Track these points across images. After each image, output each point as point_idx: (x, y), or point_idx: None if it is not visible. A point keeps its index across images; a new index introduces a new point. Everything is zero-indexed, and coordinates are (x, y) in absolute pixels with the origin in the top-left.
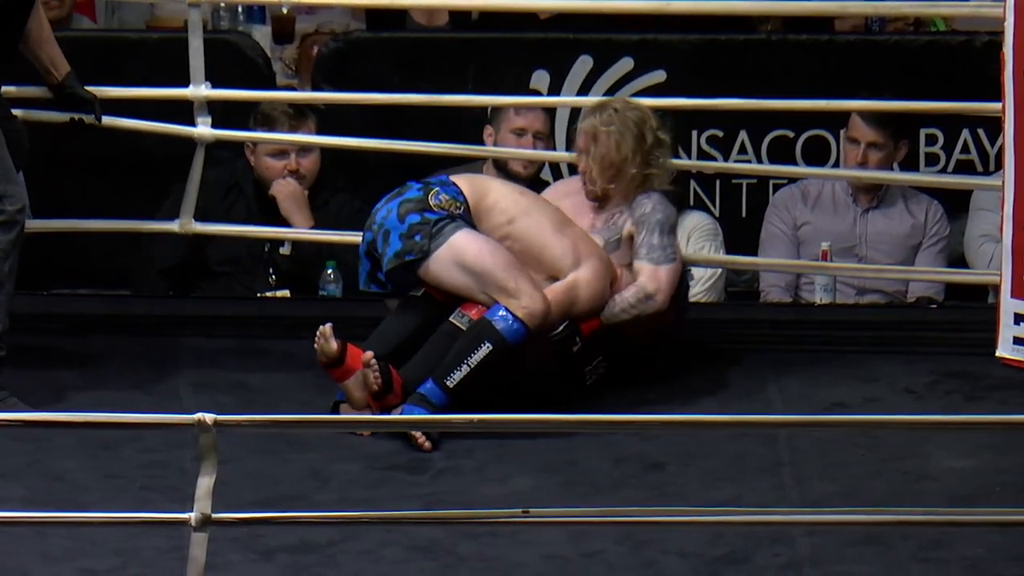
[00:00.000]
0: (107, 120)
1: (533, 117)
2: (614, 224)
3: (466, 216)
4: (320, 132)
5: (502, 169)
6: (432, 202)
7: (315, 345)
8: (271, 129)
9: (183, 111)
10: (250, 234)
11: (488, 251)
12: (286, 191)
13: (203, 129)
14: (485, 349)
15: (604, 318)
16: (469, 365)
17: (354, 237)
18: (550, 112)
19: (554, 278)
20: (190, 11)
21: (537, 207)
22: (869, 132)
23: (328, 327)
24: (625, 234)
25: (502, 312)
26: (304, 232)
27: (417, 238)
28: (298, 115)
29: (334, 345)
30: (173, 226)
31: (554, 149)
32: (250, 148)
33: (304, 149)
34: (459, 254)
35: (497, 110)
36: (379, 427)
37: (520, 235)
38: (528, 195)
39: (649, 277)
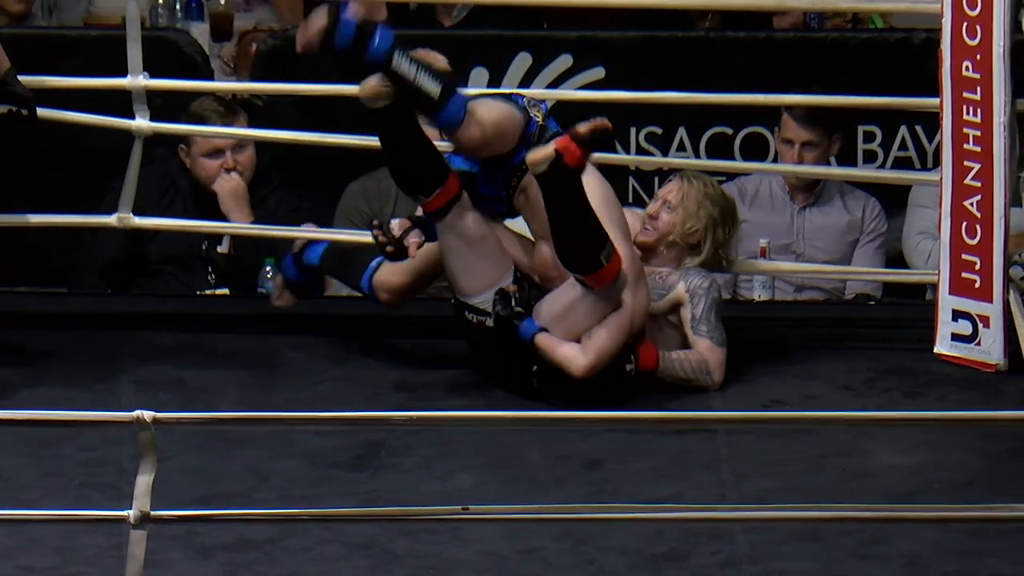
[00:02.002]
0: (45, 113)
1: None
2: (663, 280)
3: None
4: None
5: None
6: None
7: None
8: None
9: (121, 108)
10: (188, 228)
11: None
12: (228, 187)
13: (141, 122)
14: None
15: (659, 370)
16: None
17: (294, 233)
18: None
19: None
20: (128, 3)
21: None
22: (803, 132)
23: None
24: (675, 296)
25: None
26: (243, 227)
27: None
28: (228, 112)
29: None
30: (111, 220)
31: None
32: (184, 150)
33: (239, 145)
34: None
35: None
36: (322, 424)
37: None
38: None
39: (709, 352)
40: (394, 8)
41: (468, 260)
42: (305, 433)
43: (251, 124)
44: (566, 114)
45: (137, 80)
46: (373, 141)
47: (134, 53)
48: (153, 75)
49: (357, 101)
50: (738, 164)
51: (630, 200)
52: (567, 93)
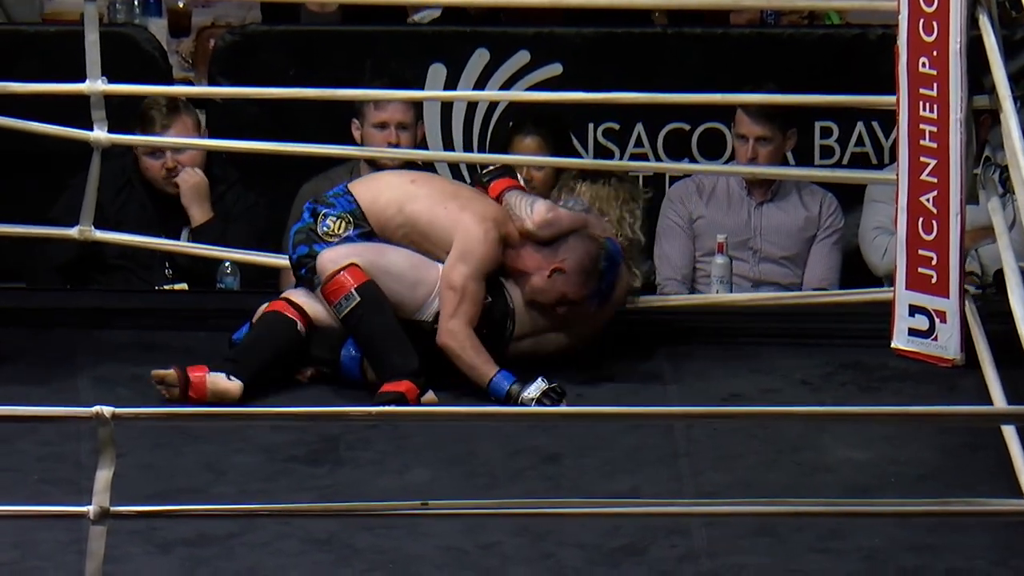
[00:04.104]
0: (3, 121)
1: (393, 109)
2: None
3: (359, 230)
4: (214, 125)
5: (371, 162)
6: (320, 231)
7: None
8: (147, 126)
9: (80, 105)
10: (150, 245)
11: None
12: (191, 182)
13: (99, 133)
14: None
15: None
16: None
17: (254, 257)
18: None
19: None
20: (86, 5)
21: (424, 189)
22: (756, 127)
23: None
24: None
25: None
26: (206, 248)
27: (303, 272)
28: (171, 111)
29: (173, 372)
30: (72, 232)
31: (419, 139)
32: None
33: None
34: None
35: (360, 105)
36: (278, 420)
37: (409, 221)
38: (419, 179)
39: (549, 207)
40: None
41: (400, 290)
42: (261, 427)
43: (208, 120)
44: (522, 114)
45: (96, 85)
46: (325, 148)
47: (92, 57)
48: (111, 71)
49: (314, 102)
50: (695, 167)
51: None
52: (524, 95)
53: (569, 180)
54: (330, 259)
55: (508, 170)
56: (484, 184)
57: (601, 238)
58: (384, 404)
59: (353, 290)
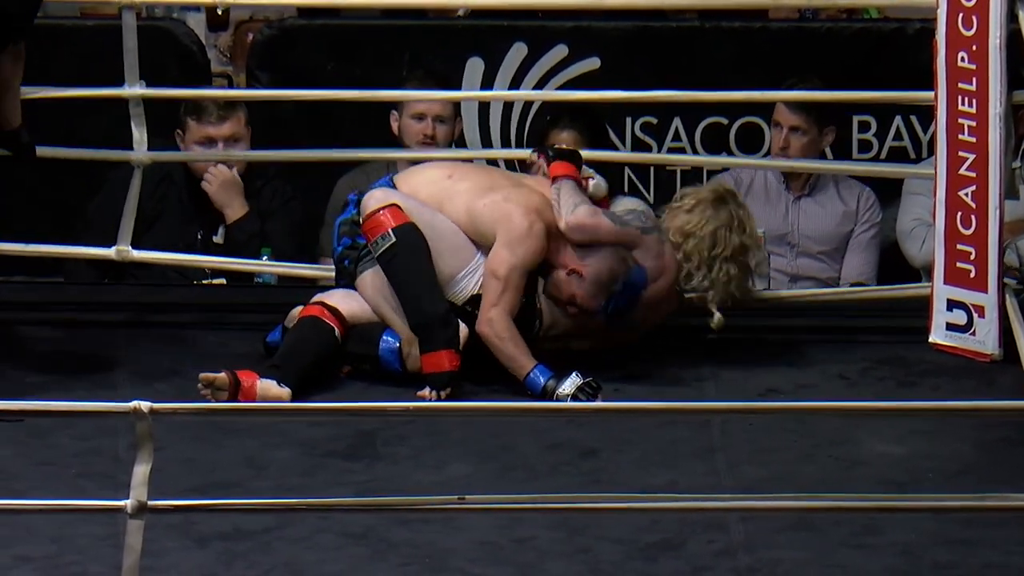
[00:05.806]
0: (45, 151)
1: (431, 100)
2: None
3: None
4: (252, 117)
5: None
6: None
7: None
8: (200, 116)
9: (119, 103)
10: (186, 262)
11: (384, 292)
12: (218, 180)
13: (140, 153)
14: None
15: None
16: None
17: (285, 268)
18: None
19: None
20: (124, 13)
21: (462, 184)
22: (791, 117)
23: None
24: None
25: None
26: (242, 263)
27: (346, 263)
28: (227, 105)
29: (224, 376)
30: (110, 252)
31: (456, 133)
32: (180, 135)
33: (234, 139)
34: (363, 289)
35: None
36: (317, 416)
37: (451, 215)
38: (456, 173)
39: (588, 211)
40: None
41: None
42: (299, 423)
43: (248, 113)
44: (559, 108)
45: (134, 90)
46: (362, 153)
47: (131, 64)
48: (149, 65)
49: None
50: (733, 160)
51: (626, 190)
52: (559, 94)
53: (686, 199)
54: (375, 198)
55: (576, 157)
56: (549, 158)
57: (631, 263)
58: (435, 387)
59: (390, 230)
